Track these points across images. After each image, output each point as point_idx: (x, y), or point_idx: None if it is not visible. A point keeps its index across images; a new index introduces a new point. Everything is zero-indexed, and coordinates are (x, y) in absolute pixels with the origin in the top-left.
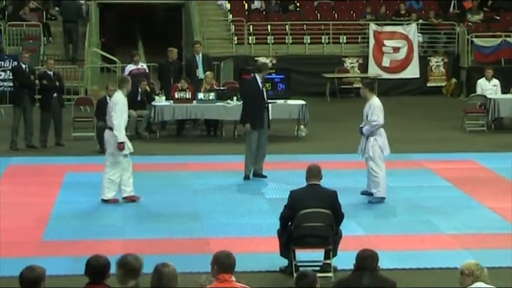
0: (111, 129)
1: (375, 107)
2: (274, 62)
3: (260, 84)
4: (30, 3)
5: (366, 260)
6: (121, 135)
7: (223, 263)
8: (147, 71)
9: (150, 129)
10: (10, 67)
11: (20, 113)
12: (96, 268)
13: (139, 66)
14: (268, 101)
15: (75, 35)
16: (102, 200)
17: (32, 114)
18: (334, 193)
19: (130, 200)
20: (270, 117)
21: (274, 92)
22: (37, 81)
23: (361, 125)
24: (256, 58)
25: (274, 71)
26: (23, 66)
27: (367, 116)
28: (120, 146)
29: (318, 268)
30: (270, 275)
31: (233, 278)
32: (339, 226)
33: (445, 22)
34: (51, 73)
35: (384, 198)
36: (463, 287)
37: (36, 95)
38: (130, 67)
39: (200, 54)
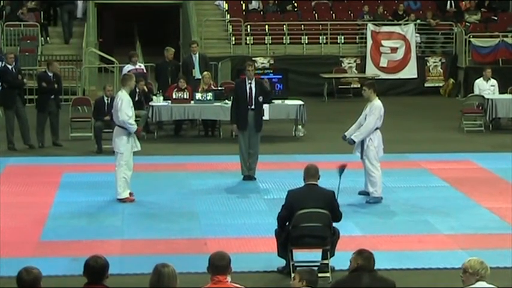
0: (120, 127)
1: (375, 109)
2: (272, 62)
3: (247, 86)
4: (28, 3)
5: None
6: (131, 125)
7: (217, 266)
8: (145, 71)
9: (148, 130)
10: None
11: (13, 114)
12: (94, 269)
13: (137, 67)
14: (263, 102)
15: (72, 16)
16: (118, 199)
17: (25, 113)
18: (331, 193)
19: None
20: (268, 118)
21: (271, 92)
22: (25, 80)
23: (345, 133)
24: (253, 58)
25: (272, 71)
26: (9, 67)
27: (365, 117)
28: (138, 131)
29: (315, 268)
30: (267, 275)
31: (228, 279)
32: (337, 222)
33: (443, 22)
34: (51, 75)
35: (381, 198)
36: (465, 285)
37: (33, 95)
38: (128, 67)
39: (197, 54)
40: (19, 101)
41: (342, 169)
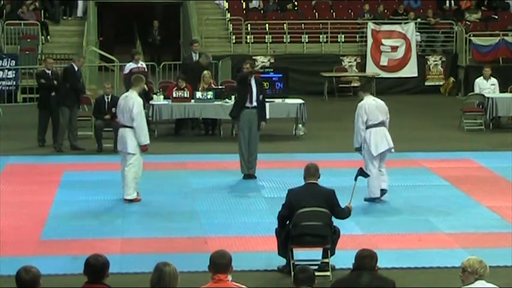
0: (130, 127)
1: (357, 109)
2: (272, 61)
3: (248, 82)
4: (28, 2)
5: (365, 259)
6: (146, 137)
7: (218, 264)
8: (146, 70)
9: (148, 128)
10: (8, 66)
11: (69, 114)
12: (95, 267)
13: (139, 65)
14: (266, 99)
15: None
16: (126, 200)
17: (76, 116)
18: (331, 192)
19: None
20: (268, 116)
21: (272, 90)
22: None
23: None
24: (254, 57)
25: (272, 70)
26: (76, 68)
27: None
28: (143, 148)
29: (316, 267)
30: (268, 274)
31: (229, 278)
32: (343, 219)
33: (443, 21)
34: (50, 72)
35: (380, 196)
36: (465, 285)
37: (34, 94)
38: (130, 65)
39: (197, 53)
40: (75, 103)
41: (360, 174)
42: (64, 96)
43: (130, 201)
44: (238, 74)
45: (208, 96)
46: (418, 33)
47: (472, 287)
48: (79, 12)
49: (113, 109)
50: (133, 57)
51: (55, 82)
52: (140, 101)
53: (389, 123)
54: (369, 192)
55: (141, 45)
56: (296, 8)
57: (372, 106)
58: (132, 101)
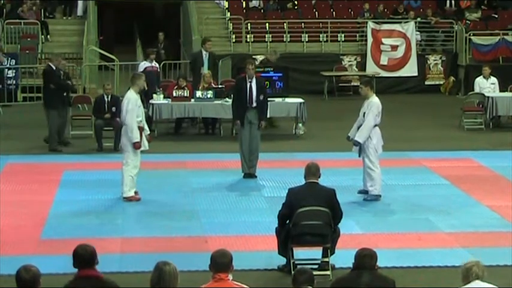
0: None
1: (373, 106)
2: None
3: (248, 84)
4: (28, 2)
5: (365, 258)
6: (134, 135)
7: (218, 263)
8: (159, 70)
9: (148, 127)
10: (8, 65)
11: (56, 115)
12: (84, 257)
13: (153, 64)
14: (267, 99)
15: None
16: (124, 198)
17: (66, 114)
18: (332, 191)
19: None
20: (268, 116)
21: (272, 90)
22: (69, 82)
23: (349, 134)
24: (254, 56)
25: (272, 69)
26: (54, 67)
27: (364, 115)
28: (135, 146)
29: (316, 266)
30: (268, 273)
31: (230, 277)
32: (337, 224)
33: (443, 20)
34: (61, 72)
35: (379, 196)
36: (462, 284)
37: (34, 93)
38: (144, 64)
39: (208, 52)
40: (62, 103)
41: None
42: (50, 99)
43: (129, 199)
44: (237, 77)
45: (208, 96)
46: (418, 33)
47: (469, 287)
48: (79, 12)
49: (113, 108)
50: (148, 56)
51: (68, 82)
52: (132, 98)
53: (389, 123)
54: (373, 189)
55: (141, 44)
56: (296, 7)
57: (381, 105)
58: (125, 100)
